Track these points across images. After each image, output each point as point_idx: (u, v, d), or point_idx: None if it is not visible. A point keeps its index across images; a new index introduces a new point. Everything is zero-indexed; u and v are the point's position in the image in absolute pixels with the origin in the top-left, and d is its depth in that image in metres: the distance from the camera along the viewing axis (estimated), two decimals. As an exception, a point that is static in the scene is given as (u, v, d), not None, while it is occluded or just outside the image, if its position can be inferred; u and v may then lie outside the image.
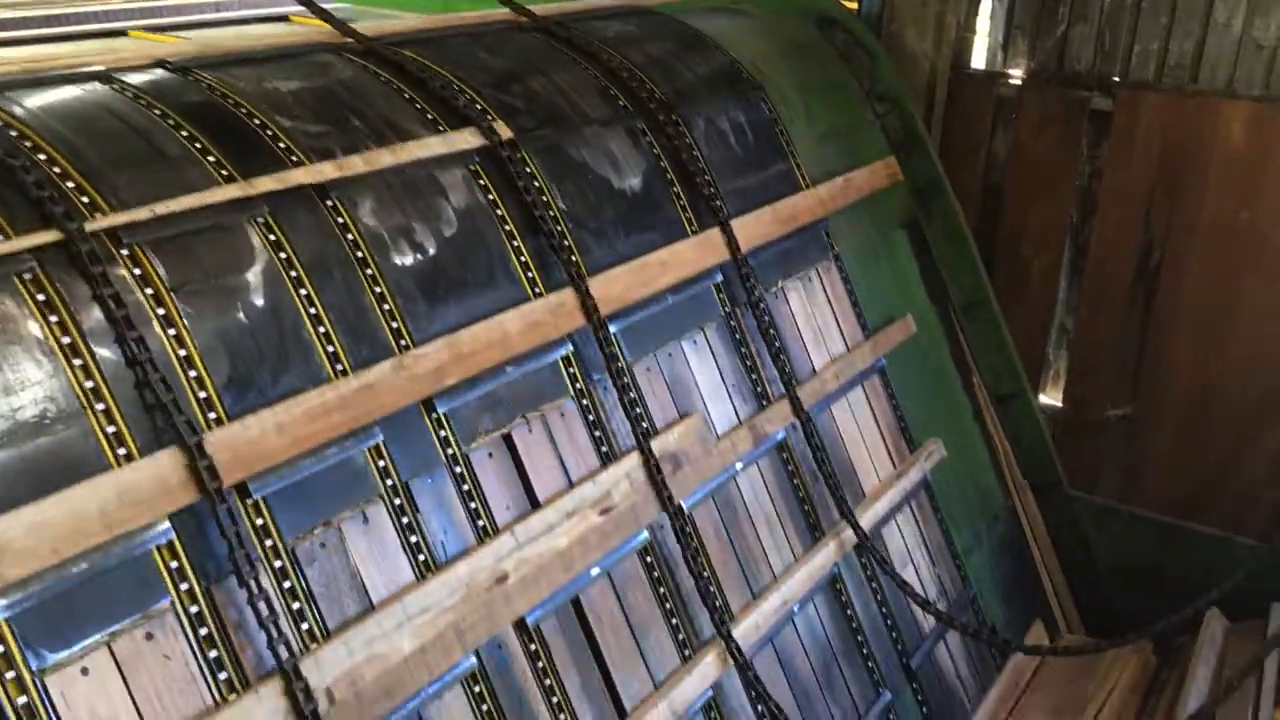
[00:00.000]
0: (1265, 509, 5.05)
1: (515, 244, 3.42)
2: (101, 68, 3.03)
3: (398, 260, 3.08)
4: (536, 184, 3.55)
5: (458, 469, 3.03)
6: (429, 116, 3.42)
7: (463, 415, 3.09)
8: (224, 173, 2.82)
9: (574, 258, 3.52)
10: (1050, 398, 5.71)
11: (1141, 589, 5.29)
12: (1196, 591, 4.37)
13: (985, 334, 5.48)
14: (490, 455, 3.14)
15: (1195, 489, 5.27)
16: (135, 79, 3.03)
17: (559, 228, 3.53)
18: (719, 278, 4.10)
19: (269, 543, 2.57)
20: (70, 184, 2.56)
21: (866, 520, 4.29)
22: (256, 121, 3.03)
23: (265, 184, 2.83)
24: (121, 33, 3.66)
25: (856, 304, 4.81)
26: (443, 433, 3.03)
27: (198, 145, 2.85)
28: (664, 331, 3.83)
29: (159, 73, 3.12)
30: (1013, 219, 5.57)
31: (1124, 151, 5.20)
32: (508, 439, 3.21)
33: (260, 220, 2.81)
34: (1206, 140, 4.97)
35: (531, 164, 3.58)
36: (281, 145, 3.00)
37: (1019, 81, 5.54)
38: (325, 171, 2.97)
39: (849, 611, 4.17)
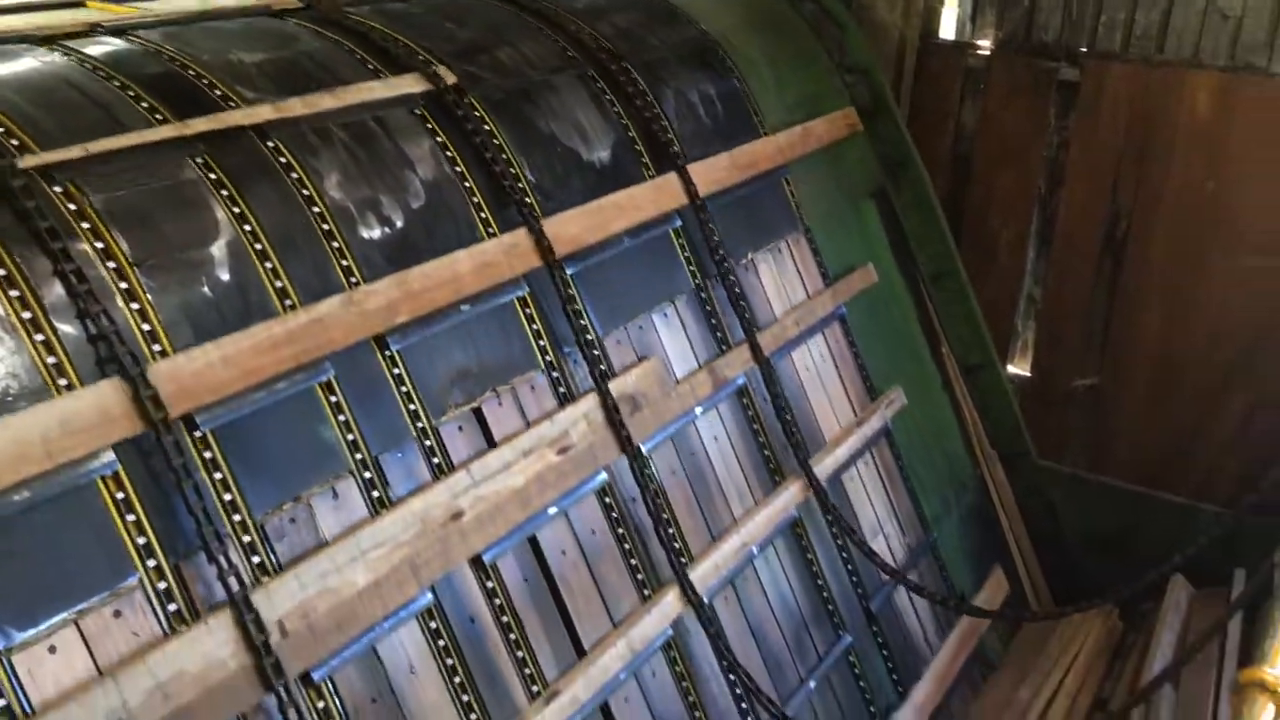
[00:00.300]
0: (1230, 477, 5.11)
1: (467, 185, 3.41)
2: (45, 33, 3.05)
3: (345, 199, 3.06)
4: (486, 127, 3.53)
5: (412, 408, 3.01)
6: (382, 73, 3.44)
7: (416, 355, 3.08)
8: (158, 117, 2.84)
9: (528, 199, 3.51)
10: (1018, 368, 5.74)
11: (1108, 557, 5.34)
12: (1163, 559, 4.41)
13: (954, 304, 5.50)
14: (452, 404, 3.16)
15: (1162, 458, 5.32)
16: (78, 44, 3.04)
17: (511, 170, 3.52)
18: (677, 222, 4.08)
19: (218, 476, 2.56)
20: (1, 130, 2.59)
21: (827, 465, 4.32)
22: (192, 73, 3.04)
23: (200, 124, 2.84)
24: (80, 2, 3.59)
25: (826, 275, 4.82)
26: (396, 370, 3.01)
27: (131, 94, 2.87)
28: (623, 276, 3.82)
29: (105, 39, 3.13)
30: (981, 189, 5.58)
31: (1091, 122, 5.22)
32: (464, 371, 3.21)
33: (199, 160, 2.82)
34: (1173, 110, 4.99)
35: (481, 109, 3.57)
36: (219, 94, 3.02)
37: (987, 52, 5.54)
38: (262, 113, 2.98)
39: (809, 555, 4.19)
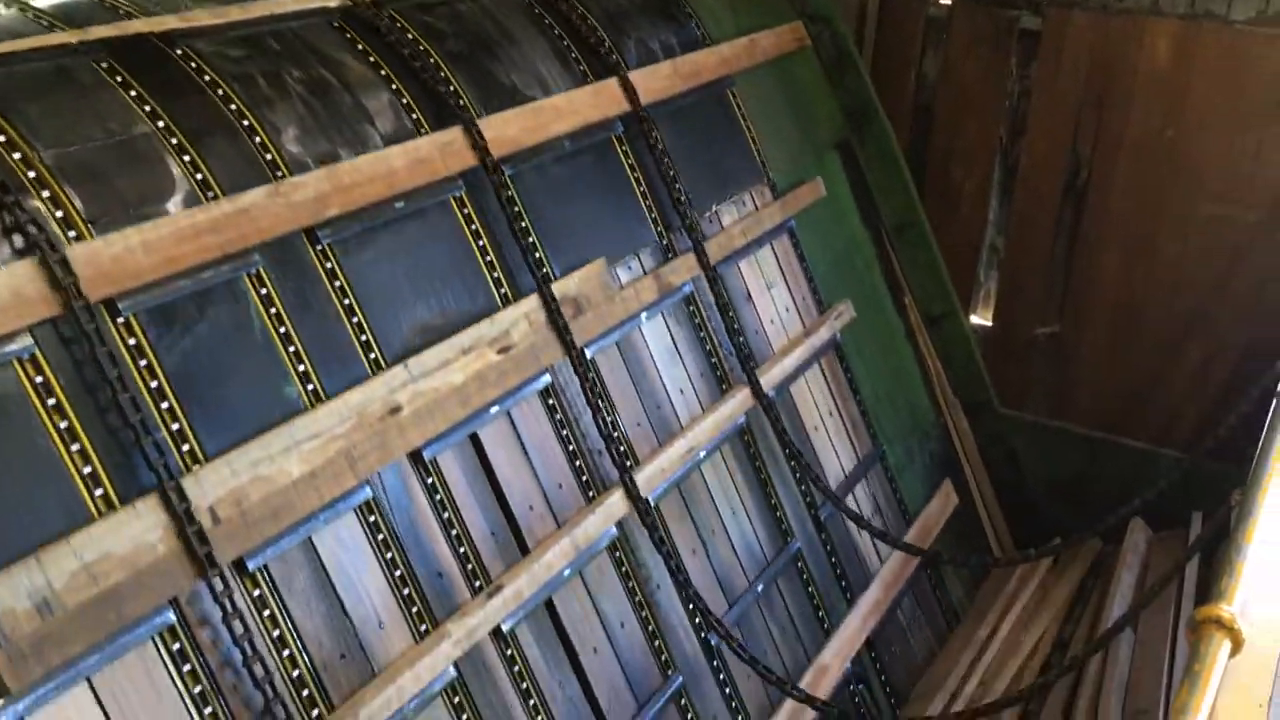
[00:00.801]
0: (1189, 423, 5.19)
1: (394, 87, 3.38)
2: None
3: (266, 97, 3.03)
4: (410, 36, 3.49)
5: (347, 302, 2.99)
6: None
7: (351, 250, 3.06)
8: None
9: (461, 101, 3.48)
10: (981, 318, 5.78)
11: (1069, 502, 5.43)
12: (1123, 504, 4.49)
13: (917, 255, 5.53)
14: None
15: (1122, 404, 5.40)
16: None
17: (441, 73, 3.48)
18: (619, 129, 4.06)
19: (143, 363, 2.54)
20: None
21: (774, 375, 4.33)
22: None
23: (100, 31, 2.83)
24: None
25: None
26: (329, 264, 3.00)
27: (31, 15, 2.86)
28: (564, 180, 3.80)
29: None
30: (943, 140, 5.59)
31: (1052, 70, 5.23)
32: (402, 269, 3.20)
33: (103, 65, 2.79)
34: (1133, 59, 5.01)
35: (403, 21, 3.52)
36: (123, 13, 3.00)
37: (949, 1, 5.52)
38: (167, 22, 2.96)
39: (758, 463, 4.23)
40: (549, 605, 3.27)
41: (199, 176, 2.79)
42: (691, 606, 3.66)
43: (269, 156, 2.95)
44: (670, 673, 3.60)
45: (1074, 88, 5.14)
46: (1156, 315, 5.20)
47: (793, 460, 4.34)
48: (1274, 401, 3.44)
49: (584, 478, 3.52)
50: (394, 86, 3.38)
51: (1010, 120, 5.44)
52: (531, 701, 3.15)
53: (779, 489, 4.30)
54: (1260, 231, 4.82)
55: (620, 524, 3.54)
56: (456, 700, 2.94)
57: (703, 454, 3.93)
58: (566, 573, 3.30)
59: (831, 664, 4.20)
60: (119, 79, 2.79)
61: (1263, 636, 2.83)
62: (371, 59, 3.38)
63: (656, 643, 3.59)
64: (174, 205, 2.70)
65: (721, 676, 3.80)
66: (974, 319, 5.75)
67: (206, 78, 2.96)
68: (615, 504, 3.51)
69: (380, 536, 2.89)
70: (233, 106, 2.96)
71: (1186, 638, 2.24)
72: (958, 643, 4.92)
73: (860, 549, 4.73)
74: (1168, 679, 4.09)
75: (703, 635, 3.74)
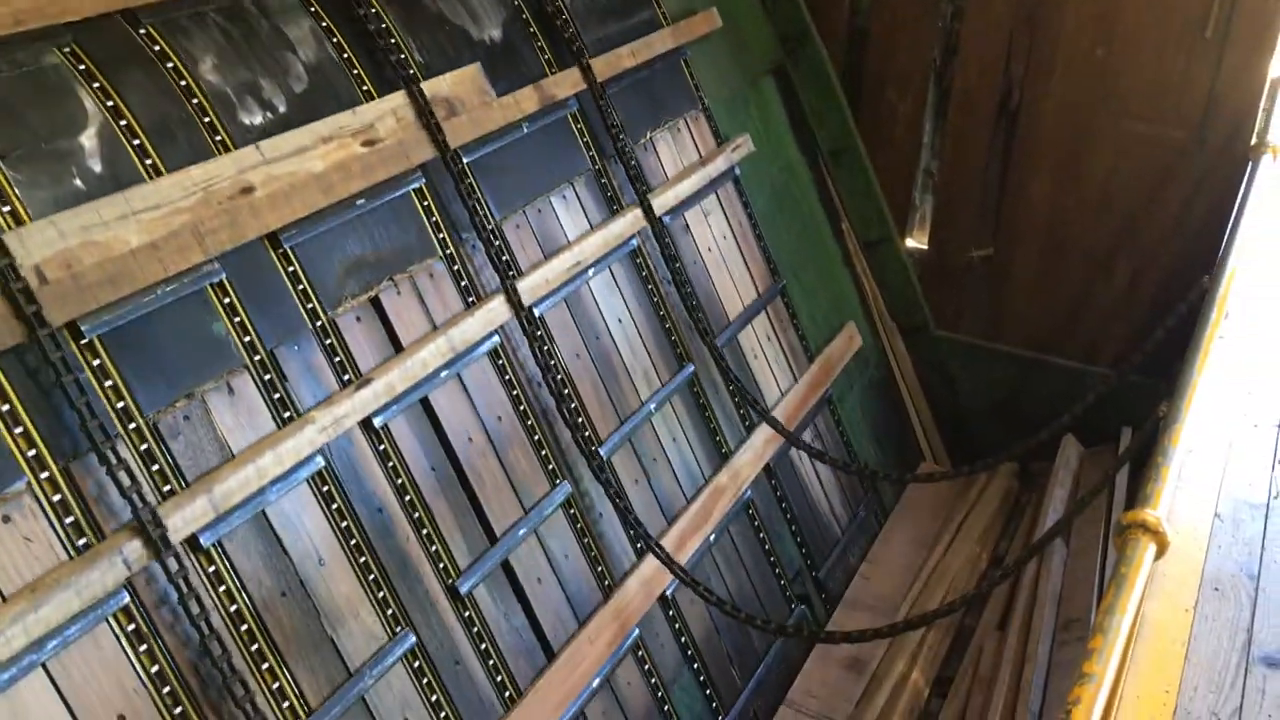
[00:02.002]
0: (1118, 340, 5.29)
1: (346, 56, 3.34)
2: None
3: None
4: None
5: (184, 83, 2.95)
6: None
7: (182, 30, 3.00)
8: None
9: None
10: (917, 241, 5.83)
11: (1003, 421, 5.54)
12: (1055, 421, 4.58)
13: (853, 180, 5.55)
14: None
15: (1053, 324, 5.49)
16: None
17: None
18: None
19: None
20: None
21: (666, 199, 4.31)
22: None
23: None
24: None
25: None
26: (157, 46, 2.94)
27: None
28: None
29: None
30: (877, 63, 5.57)
31: (984, -10, 5.22)
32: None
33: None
34: (1063, -23, 5.01)
35: None
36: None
37: (882, -79, 5.47)
38: None
39: (650, 286, 4.24)
40: (425, 404, 3.26)
41: None
42: (567, 411, 3.63)
43: None
44: (558, 481, 3.63)
45: (1006, 8, 5.14)
46: (1085, 235, 5.27)
47: (737, 396, 4.37)
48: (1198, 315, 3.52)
49: (463, 283, 3.48)
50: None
51: (944, 42, 5.43)
52: (400, 480, 3.15)
53: (674, 314, 4.31)
54: (1186, 150, 4.89)
55: (501, 329, 3.53)
56: (325, 489, 2.92)
57: (591, 271, 3.93)
58: (444, 375, 3.30)
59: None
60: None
61: (1188, 543, 2.93)
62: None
63: (529, 422, 3.61)
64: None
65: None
66: (910, 243, 5.80)
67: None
68: (496, 309, 3.48)
69: (237, 320, 2.86)
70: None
71: (1114, 543, 2.31)
72: (893, 558, 5.03)
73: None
74: (1099, 589, 4.22)
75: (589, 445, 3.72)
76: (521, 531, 3.44)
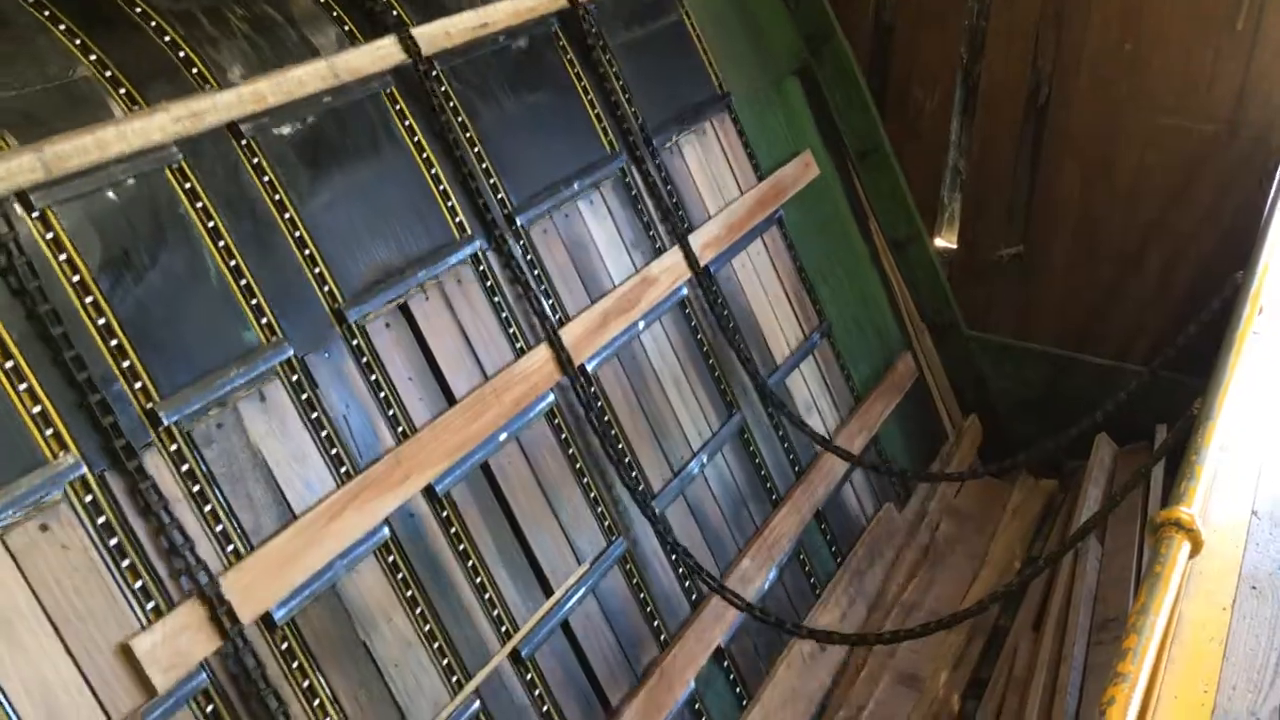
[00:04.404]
0: (1149, 337, 5.24)
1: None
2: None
3: None
4: None
5: None
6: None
7: None
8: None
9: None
10: (946, 240, 5.79)
11: (1036, 421, 5.49)
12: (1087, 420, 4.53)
13: (881, 180, 5.52)
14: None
15: (1085, 321, 5.44)
16: None
17: None
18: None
19: None
20: None
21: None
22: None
23: None
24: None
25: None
26: None
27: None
28: None
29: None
30: (904, 61, 5.55)
31: (1010, -14, 5.19)
32: None
33: None
34: (1089, -29, 4.97)
35: None
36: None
37: (906, -83, 5.45)
38: None
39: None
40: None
41: None
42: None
43: None
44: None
45: (1033, 2, 5.10)
46: (1116, 231, 5.22)
47: (731, 320, 4.36)
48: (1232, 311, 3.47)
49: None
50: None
51: (971, 38, 5.40)
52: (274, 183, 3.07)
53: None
54: (1217, 142, 4.84)
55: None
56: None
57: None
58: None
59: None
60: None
61: (1224, 542, 2.88)
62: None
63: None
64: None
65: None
66: (939, 241, 5.76)
67: None
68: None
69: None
70: None
71: (1148, 542, 2.28)
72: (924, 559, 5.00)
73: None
74: (1134, 588, 4.17)
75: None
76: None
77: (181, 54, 2.93)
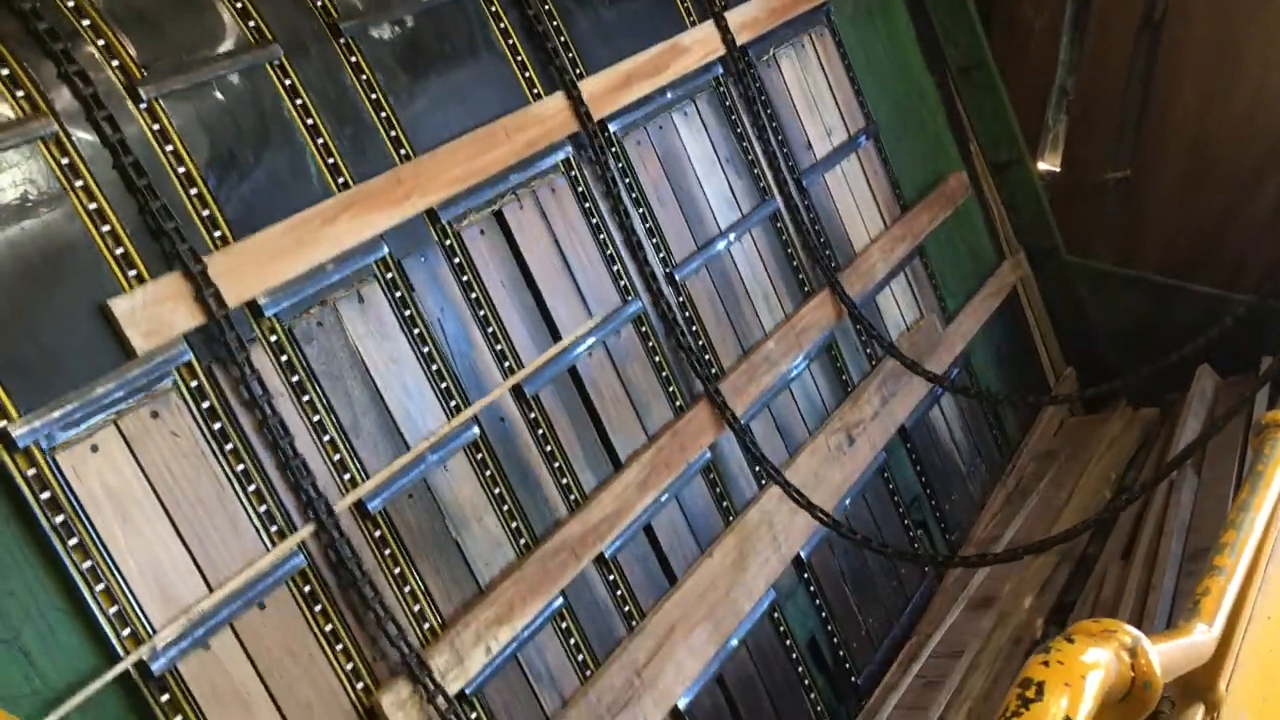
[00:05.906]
0: (1258, 267, 5.05)
1: None
2: None
3: None
4: None
5: None
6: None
7: None
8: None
9: None
10: (1049, 163, 5.63)
11: (1136, 350, 5.34)
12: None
13: (983, 99, 5.37)
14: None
15: (1192, 249, 5.26)
16: None
17: None
18: None
19: None
20: None
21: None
22: None
23: None
24: None
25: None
26: None
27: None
28: None
29: None
30: (1013, -25, 5.37)
31: (1129, -104, 4.98)
32: None
33: None
34: (1215, -119, 4.75)
35: None
36: None
37: None
38: None
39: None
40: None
41: None
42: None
43: None
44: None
45: (1152, -87, 4.90)
46: (1230, 156, 5.02)
47: (859, 324, 4.32)
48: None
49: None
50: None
51: (1084, -48, 5.20)
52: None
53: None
54: (1344, 62, 4.61)
55: None
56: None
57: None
58: None
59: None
60: None
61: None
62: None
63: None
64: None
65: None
66: (1041, 165, 5.60)
67: None
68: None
69: None
70: None
71: (1252, 444, 2.22)
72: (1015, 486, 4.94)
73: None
74: (1231, 519, 4.06)
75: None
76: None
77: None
